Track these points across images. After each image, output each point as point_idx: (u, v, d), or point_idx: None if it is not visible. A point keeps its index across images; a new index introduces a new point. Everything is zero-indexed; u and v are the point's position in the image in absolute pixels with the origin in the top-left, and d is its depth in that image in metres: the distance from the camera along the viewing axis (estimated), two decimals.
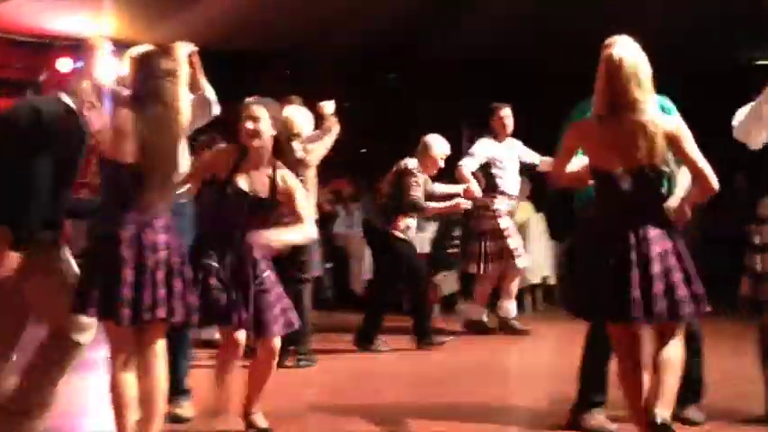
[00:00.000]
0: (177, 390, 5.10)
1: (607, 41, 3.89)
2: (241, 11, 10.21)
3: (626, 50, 3.80)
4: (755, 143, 4.55)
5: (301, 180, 5.71)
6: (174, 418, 5.01)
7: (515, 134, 8.21)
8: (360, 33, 10.34)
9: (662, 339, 3.96)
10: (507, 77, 11.47)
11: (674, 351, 3.93)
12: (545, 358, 7.52)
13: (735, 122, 4.66)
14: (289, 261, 6.28)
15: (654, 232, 3.81)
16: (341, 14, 10.04)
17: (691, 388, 4.71)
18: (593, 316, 4.08)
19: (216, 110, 4.88)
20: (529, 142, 8.26)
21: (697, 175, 3.87)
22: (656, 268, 3.79)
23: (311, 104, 7.11)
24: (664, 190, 3.97)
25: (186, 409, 5.15)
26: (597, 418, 4.75)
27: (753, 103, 4.59)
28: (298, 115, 6.70)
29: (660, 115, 3.86)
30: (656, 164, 3.80)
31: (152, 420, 4.06)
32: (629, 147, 3.75)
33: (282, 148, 4.76)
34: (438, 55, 11.43)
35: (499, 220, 8.14)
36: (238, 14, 10.32)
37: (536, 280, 9.58)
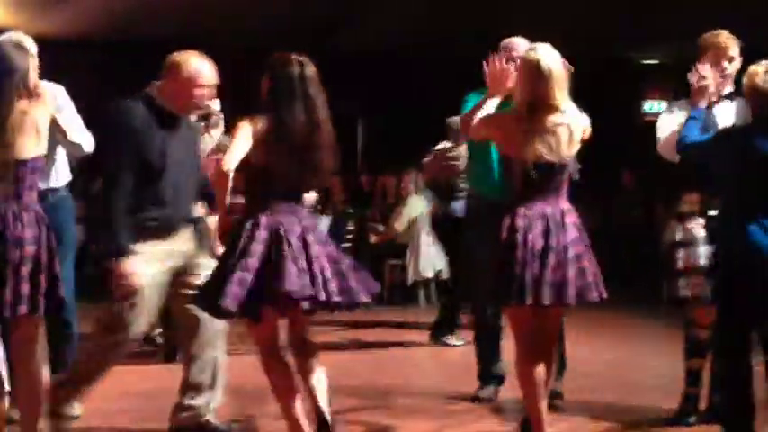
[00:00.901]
0: None
1: (529, 47, 4.23)
2: (136, 1, 10.05)
3: (552, 59, 4.09)
4: (675, 158, 4.63)
5: None
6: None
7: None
8: (271, 19, 10.21)
9: (541, 336, 4.19)
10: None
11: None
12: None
13: (660, 137, 4.80)
14: None
15: (568, 218, 4.11)
16: (237, 3, 9.95)
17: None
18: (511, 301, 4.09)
19: (87, 149, 4.86)
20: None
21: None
22: (571, 253, 4.04)
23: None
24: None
25: (74, 406, 5.02)
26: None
27: (676, 125, 4.66)
28: None
29: (577, 116, 4.16)
30: (566, 159, 4.12)
31: (33, 417, 3.99)
32: (546, 144, 4.05)
33: None
34: (349, 50, 11.44)
35: None
36: (136, 2, 10.15)
37: (429, 274, 9.68)
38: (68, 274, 4.97)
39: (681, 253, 4.69)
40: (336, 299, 3.89)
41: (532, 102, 4.09)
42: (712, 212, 4.55)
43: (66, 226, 4.95)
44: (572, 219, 4.12)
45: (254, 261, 3.82)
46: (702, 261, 4.60)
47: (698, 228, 4.67)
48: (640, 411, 5.09)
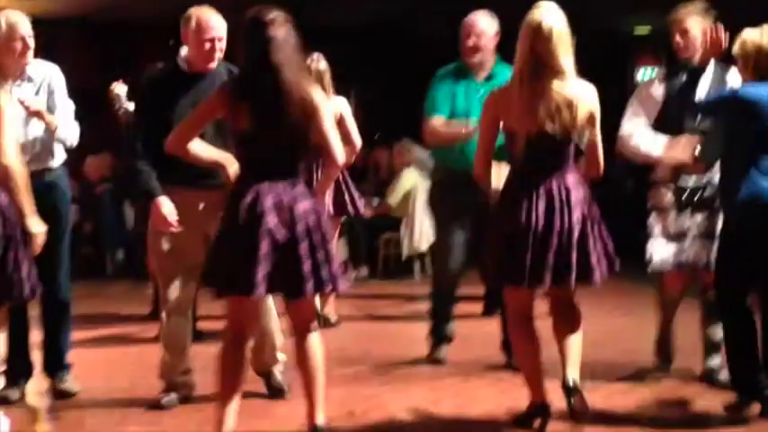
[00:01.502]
0: (59, 365, 5.03)
1: (533, 7, 3.89)
2: None
3: (554, 17, 3.82)
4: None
5: None
6: (61, 394, 4.93)
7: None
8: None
9: (561, 303, 4.14)
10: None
11: (577, 314, 4.15)
12: None
13: (629, 144, 4.90)
14: None
15: (575, 195, 3.93)
16: None
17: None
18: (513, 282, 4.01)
19: (69, 143, 4.96)
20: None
21: (591, 153, 4.05)
22: (575, 235, 3.91)
23: None
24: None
25: (71, 383, 5.06)
26: None
27: (646, 150, 4.85)
28: None
29: (584, 86, 3.92)
30: (572, 131, 3.89)
31: None
32: (548, 112, 3.81)
33: None
34: (336, 21, 11.38)
35: None
36: None
37: (424, 247, 9.70)
38: (64, 255, 4.99)
39: (651, 218, 4.91)
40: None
41: (533, 65, 3.81)
42: (681, 182, 4.81)
43: (62, 205, 4.98)
44: (578, 195, 3.94)
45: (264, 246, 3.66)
46: (671, 228, 4.83)
47: (669, 195, 4.85)
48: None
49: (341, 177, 6.56)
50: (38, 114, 4.73)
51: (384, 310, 7.76)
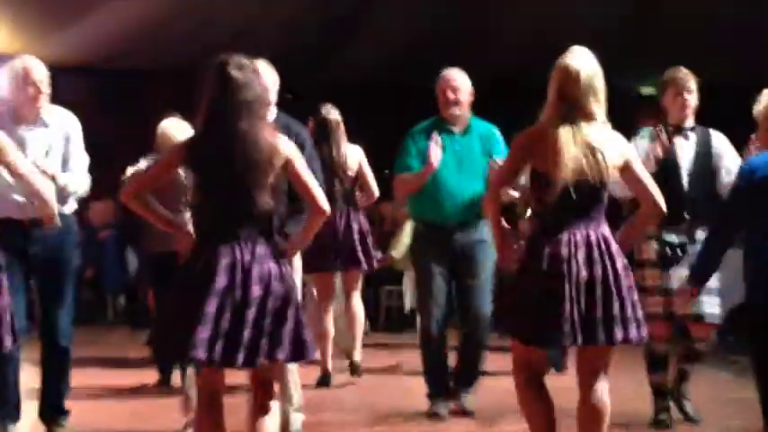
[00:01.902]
0: (57, 410, 5.02)
1: (567, 52, 3.78)
2: (130, 28, 10.09)
3: (585, 62, 3.71)
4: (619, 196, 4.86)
5: None
6: None
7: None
8: (254, 51, 10.31)
9: (592, 376, 3.77)
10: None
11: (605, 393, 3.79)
12: None
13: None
14: None
15: (614, 246, 3.69)
16: (234, 35, 10.03)
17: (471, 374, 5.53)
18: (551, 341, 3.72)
19: (80, 195, 5.06)
20: None
21: (645, 199, 3.82)
22: (624, 284, 3.66)
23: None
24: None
25: (68, 429, 5.02)
26: None
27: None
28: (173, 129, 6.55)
29: (613, 133, 3.76)
30: (603, 178, 3.68)
31: None
32: (584, 159, 3.61)
33: None
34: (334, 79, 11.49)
35: None
36: (127, 31, 10.19)
37: None
38: (69, 301, 5.00)
39: (638, 272, 4.98)
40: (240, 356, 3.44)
41: (564, 108, 3.66)
42: (666, 237, 5.03)
43: (70, 252, 5.02)
44: (616, 246, 3.71)
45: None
46: (656, 281, 5.03)
47: (652, 250, 5.05)
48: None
49: (362, 229, 6.55)
50: (46, 174, 4.74)
51: (385, 362, 7.70)
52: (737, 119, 4.97)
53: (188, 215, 4.29)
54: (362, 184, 6.72)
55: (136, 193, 3.76)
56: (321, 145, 6.41)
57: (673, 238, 5.04)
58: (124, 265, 10.65)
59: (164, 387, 6.39)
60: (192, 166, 3.63)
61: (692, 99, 5.18)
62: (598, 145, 3.64)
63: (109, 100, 11.53)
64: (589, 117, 3.66)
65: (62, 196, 4.84)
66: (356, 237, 6.55)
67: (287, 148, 3.65)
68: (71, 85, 11.45)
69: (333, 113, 6.52)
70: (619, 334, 3.60)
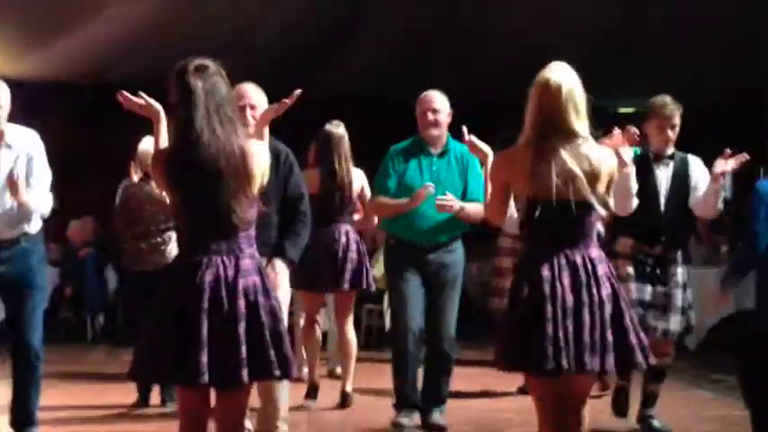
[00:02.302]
0: (26, 421, 5.06)
1: (545, 68, 3.62)
2: (111, 44, 10.06)
3: (564, 76, 3.54)
4: (624, 211, 4.98)
5: None
6: None
7: None
8: (233, 65, 10.30)
9: (570, 405, 3.57)
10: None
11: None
12: None
13: None
14: None
15: (601, 269, 3.51)
16: (223, 46, 9.99)
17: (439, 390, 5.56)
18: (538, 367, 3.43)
19: (35, 209, 4.96)
20: None
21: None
22: (608, 311, 3.46)
23: None
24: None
25: None
26: None
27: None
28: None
29: (600, 149, 3.60)
30: (588, 197, 3.49)
31: None
32: (563, 176, 3.44)
33: None
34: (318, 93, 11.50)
35: None
36: (116, 46, 10.16)
37: None
38: (38, 318, 5.03)
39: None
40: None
41: (540, 125, 3.50)
42: (641, 256, 5.28)
43: (37, 269, 5.04)
44: (604, 269, 3.52)
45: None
46: (633, 295, 5.18)
47: (630, 267, 5.26)
48: None
49: (361, 250, 6.48)
50: (14, 186, 4.76)
51: (360, 383, 7.66)
52: (721, 137, 5.10)
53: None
54: (361, 209, 6.70)
55: None
56: (325, 160, 6.45)
57: (647, 257, 5.30)
58: (104, 284, 10.58)
59: (142, 407, 6.35)
60: (167, 180, 3.44)
61: (674, 134, 5.35)
62: (585, 163, 3.47)
63: (90, 116, 11.48)
64: (570, 134, 3.49)
65: (24, 215, 4.90)
66: (352, 256, 6.40)
67: (263, 153, 3.48)
68: (51, 102, 11.45)
69: (338, 128, 6.51)
70: (604, 362, 3.41)
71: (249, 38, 10.08)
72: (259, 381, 3.49)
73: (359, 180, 6.60)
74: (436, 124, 5.53)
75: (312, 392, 6.52)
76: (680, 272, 5.39)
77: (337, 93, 11.00)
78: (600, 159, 3.53)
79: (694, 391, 7.10)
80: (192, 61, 3.46)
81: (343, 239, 6.39)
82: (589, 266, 3.47)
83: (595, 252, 3.54)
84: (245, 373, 3.29)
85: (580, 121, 3.51)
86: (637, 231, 5.26)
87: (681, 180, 5.36)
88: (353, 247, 6.42)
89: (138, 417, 6.14)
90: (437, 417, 5.55)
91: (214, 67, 3.47)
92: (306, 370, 7.12)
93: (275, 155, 4.71)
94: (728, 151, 5.10)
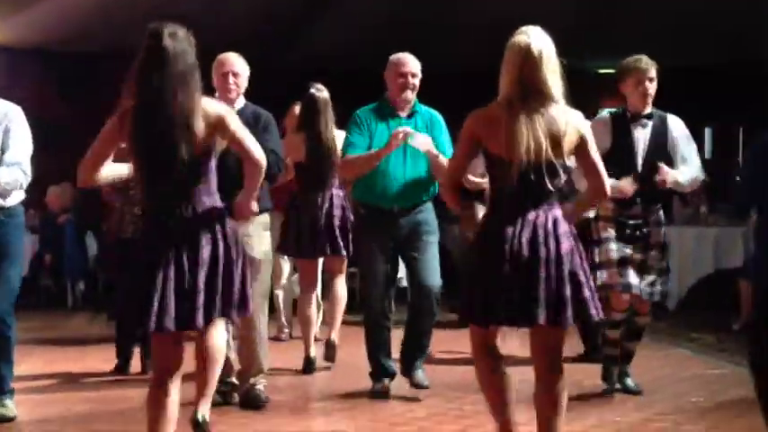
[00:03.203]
0: (2, 390, 5.07)
1: (518, 31, 3.71)
2: (88, 9, 9.96)
3: (543, 42, 3.65)
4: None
5: None
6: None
7: None
8: (215, 34, 10.23)
9: (546, 357, 3.75)
10: None
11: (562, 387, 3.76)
12: None
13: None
14: None
15: (562, 228, 3.67)
16: (196, 15, 9.91)
17: (420, 348, 5.58)
18: (494, 320, 3.68)
19: (18, 186, 5.06)
20: None
21: (595, 178, 3.80)
22: (566, 267, 3.62)
23: None
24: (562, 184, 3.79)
25: (9, 408, 5.06)
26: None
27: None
28: None
29: (572, 112, 3.71)
30: (560, 157, 3.65)
31: None
32: (538, 139, 3.58)
33: None
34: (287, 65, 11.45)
35: None
36: (85, 13, 10.06)
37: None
38: (14, 285, 5.05)
39: (596, 249, 5.34)
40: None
41: (521, 89, 3.61)
42: (621, 219, 5.33)
43: (14, 240, 5.05)
44: (565, 228, 3.68)
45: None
46: (614, 255, 5.29)
47: (611, 229, 5.33)
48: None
49: (339, 214, 6.44)
50: None
51: (350, 342, 7.68)
52: (702, 97, 5.05)
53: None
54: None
55: (88, 176, 3.84)
56: (309, 124, 6.38)
57: (628, 219, 5.33)
58: (84, 251, 10.53)
59: (121, 373, 6.35)
60: (129, 138, 3.67)
61: (652, 88, 5.30)
62: (556, 125, 3.61)
63: (66, 83, 11.39)
64: (548, 97, 3.62)
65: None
66: (337, 223, 6.43)
67: (218, 108, 3.75)
68: (28, 68, 11.34)
69: (322, 92, 6.42)
70: (547, 315, 3.56)
71: (224, 6, 10.00)
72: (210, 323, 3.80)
73: (340, 142, 6.43)
74: (413, 88, 5.51)
75: (309, 366, 6.45)
76: (662, 233, 5.41)
77: (314, 62, 10.97)
78: (571, 121, 3.67)
79: (674, 349, 7.16)
80: (166, 25, 3.69)
81: (329, 208, 6.42)
82: (550, 225, 3.63)
83: (559, 211, 3.70)
84: (200, 317, 3.65)
85: (557, 86, 3.64)
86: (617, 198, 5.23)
87: (659, 140, 5.34)
88: (338, 213, 6.43)
89: (117, 382, 6.14)
90: (418, 376, 5.58)
91: (184, 34, 3.71)
92: (287, 331, 7.21)
93: (255, 118, 5.10)
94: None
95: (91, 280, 10.51)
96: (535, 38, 3.65)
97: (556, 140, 3.60)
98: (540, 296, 3.55)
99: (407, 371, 5.60)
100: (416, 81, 5.52)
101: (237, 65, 5.19)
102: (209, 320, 3.72)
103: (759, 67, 10.48)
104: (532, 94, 3.61)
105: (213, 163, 3.77)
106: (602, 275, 5.29)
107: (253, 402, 5.25)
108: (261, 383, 5.33)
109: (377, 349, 5.60)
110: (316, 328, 6.80)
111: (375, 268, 5.51)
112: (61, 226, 10.51)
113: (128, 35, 10.28)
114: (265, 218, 5.27)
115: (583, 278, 3.65)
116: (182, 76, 3.61)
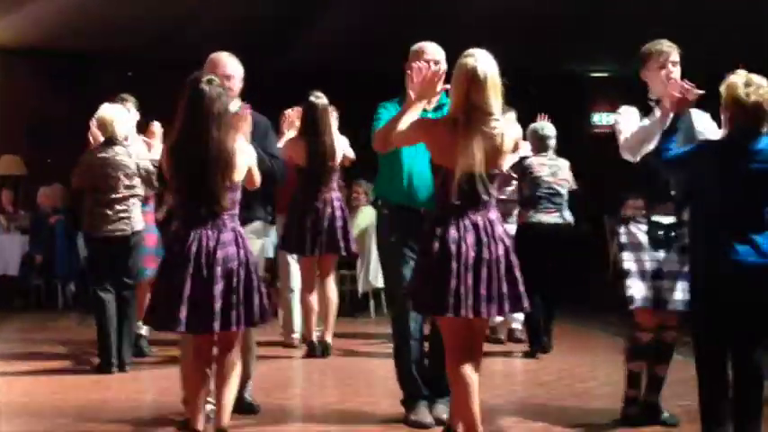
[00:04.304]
0: None
1: (465, 53, 4.10)
2: (78, 10, 9.95)
3: (488, 65, 4.05)
4: (635, 158, 4.87)
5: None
6: None
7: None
8: (202, 36, 10.24)
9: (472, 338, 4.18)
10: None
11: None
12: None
13: (622, 139, 4.91)
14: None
15: (498, 230, 4.11)
16: (186, 16, 9.91)
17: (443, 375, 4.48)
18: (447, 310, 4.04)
19: None
20: None
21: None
22: (503, 266, 4.07)
23: (151, 106, 7.02)
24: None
25: None
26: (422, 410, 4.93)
27: (642, 125, 4.85)
28: (115, 115, 6.61)
29: (509, 125, 4.17)
30: (497, 168, 4.14)
31: None
32: (480, 153, 4.00)
33: None
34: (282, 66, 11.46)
35: None
36: (85, 13, 10.05)
37: (380, 284, 9.67)
38: None
39: (626, 255, 4.82)
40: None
41: (467, 108, 4.03)
42: (655, 218, 4.79)
43: None
44: (500, 229, 4.13)
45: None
46: (648, 266, 4.76)
47: (641, 233, 4.81)
48: (593, 414, 5.20)
49: (340, 215, 6.96)
50: None
51: (340, 347, 7.70)
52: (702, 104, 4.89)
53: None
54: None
55: None
56: (310, 130, 6.83)
57: (662, 219, 4.82)
58: (74, 251, 10.51)
59: (103, 372, 6.38)
60: (173, 167, 4.28)
61: (677, 72, 4.85)
62: (494, 138, 4.03)
63: (58, 83, 11.37)
64: (489, 115, 4.02)
65: None
66: (338, 224, 6.97)
67: (249, 152, 4.39)
68: (22, 68, 11.32)
69: (321, 99, 6.85)
70: (494, 309, 4.06)
71: (217, 9, 10.00)
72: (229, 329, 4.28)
73: (342, 147, 7.16)
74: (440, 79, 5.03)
75: (312, 350, 6.96)
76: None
77: (309, 65, 10.99)
78: (507, 130, 4.11)
79: None
80: (203, 74, 4.35)
81: (329, 209, 6.93)
82: (489, 227, 4.08)
83: (494, 214, 4.13)
84: (216, 324, 4.19)
85: (497, 104, 4.06)
86: (646, 190, 4.82)
87: (686, 131, 4.75)
88: (339, 214, 6.97)
89: (106, 381, 6.17)
90: (439, 408, 4.93)
91: (218, 82, 4.32)
92: (295, 336, 7.50)
93: (254, 124, 4.95)
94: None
95: (81, 281, 10.49)
96: (481, 62, 4.03)
97: (492, 152, 4.03)
98: (482, 294, 4.01)
99: (431, 395, 4.97)
100: (440, 68, 4.65)
101: (230, 66, 4.92)
102: (226, 327, 4.24)
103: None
104: (476, 113, 4.01)
105: (239, 194, 4.35)
106: (631, 288, 4.75)
107: (247, 410, 5.11)
108: (248, 390, 5.20)
109: (410, 368, 4.94)
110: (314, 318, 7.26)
111: (403, 271, 4.87)
112: (52, 226, 10.49)
113: (122, 36, 10.40)
114: (257, 225, 5.18)
115: (517, 274, 4.11)
116: (219, 117, 4.22)
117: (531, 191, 7.21)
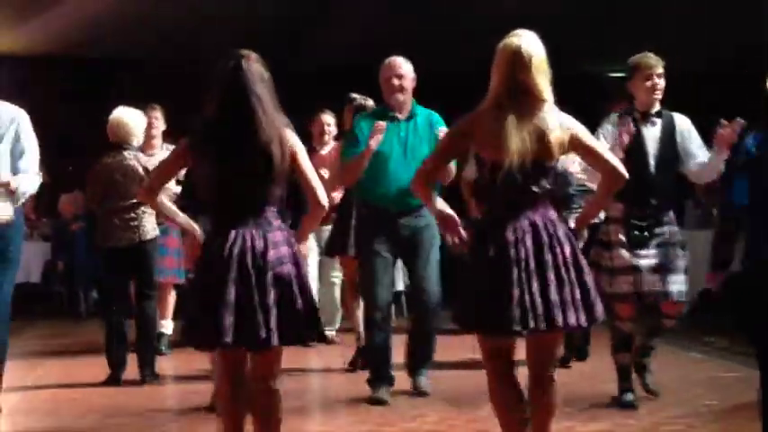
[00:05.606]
0: None
1: (510, 33, 3.70)
2: (95, 17, 10.00)
3: (534, 45, 3.65)
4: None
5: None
6: None
7: None
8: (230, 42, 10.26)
9: (540, 362, 3.70)
10: None
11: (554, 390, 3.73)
12: None
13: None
14: None
15: (562, 229, 3.62)
16: (208, 21, 9.94)
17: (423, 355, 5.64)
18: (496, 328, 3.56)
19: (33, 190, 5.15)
20: None
21: (603, 169, 3.74)
22: (572, 270, 3.58)
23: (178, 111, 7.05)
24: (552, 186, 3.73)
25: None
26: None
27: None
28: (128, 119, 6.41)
29: (563, 114, 3.68)
30: (552, 160, 3.62)
31: None
32: (529, 139, 3.55)
33: None
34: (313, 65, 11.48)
35: None
36: (102, 20, 10.10)
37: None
38: (8, 289, 5.07)
39: (606, 253, 5.20)
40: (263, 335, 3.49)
41: (510, 90, 3.59)
42: (633, 221, 5.15)
43: (11, 243, 5.02)
44: (564, 229, 3.63)
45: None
46: (624, 262, 5.12)
47: (621, 233, 5.16)
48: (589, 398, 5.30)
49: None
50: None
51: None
52: (707, 104, 4.96)
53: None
54: None
55: (149, 190, 3.78)
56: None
57: (639, 221, 5.17)
58: (96, 258, 10.53)
59: (113, 384, 6.25)
60: (201, 155, 3.61)
61: (660, 84, 5.23)
62: (546, 126, 3.57)
63: (76, 90, 11.43)
64: (539, 99, 3.60)
65: (13, 196, 4.93)
66: None
67: (294, 139, 3.67)
68: (40, 76, 11.38)
69: (368, 101, 6.63)
70: (572, 318, 3.51)
71: (234, 10, 10.02)
72: (289, 345, 3.61)
73: None
74: (401, 90, 5.58)
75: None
76: (676, 231, 5.25)
77: (323, 64, 10.99)
78: (564, 122, 3.63)
79: (685, 353, 7.14)
80: (249, 52, 3.70)
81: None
82: (550, 227, 3.58)
83: (554, 213, 3.65)
84: (275, 337, 3.49)
85: (546, 88, 3.62)
86: (627, 194, 4.82)
87: (669, 139, 5.24)
88: None
89: (126, 389, 6.15)
90: (423, 382, 5.63)
91: (257, 56, 3.70)
92: (332, 333, 7.51)
93: None
94: (724, 121, 4.96)
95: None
96: (526, 40, 3.64)
97: (544, 141, 3.56)
98: (554, 299, 3.49)
99: (412, 374, 5.68)
100: (405, 83, 5.60)
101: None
102: (268, 342, 3.52)
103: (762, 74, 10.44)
104: (521, 96, 3.59)
105: (283, 187, 3.68)
106: (611, 282, 5.11)
107: None
108: None
109: (377, 355, 5.59)
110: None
111: (376, 269, 5.52)
112: (73, 234, 10.55)
113: (138, 42, 10.43)
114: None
115: (588, 279, 3.61)
116: (263, 97, 3.61)
117: (561, 189, 7.00)
